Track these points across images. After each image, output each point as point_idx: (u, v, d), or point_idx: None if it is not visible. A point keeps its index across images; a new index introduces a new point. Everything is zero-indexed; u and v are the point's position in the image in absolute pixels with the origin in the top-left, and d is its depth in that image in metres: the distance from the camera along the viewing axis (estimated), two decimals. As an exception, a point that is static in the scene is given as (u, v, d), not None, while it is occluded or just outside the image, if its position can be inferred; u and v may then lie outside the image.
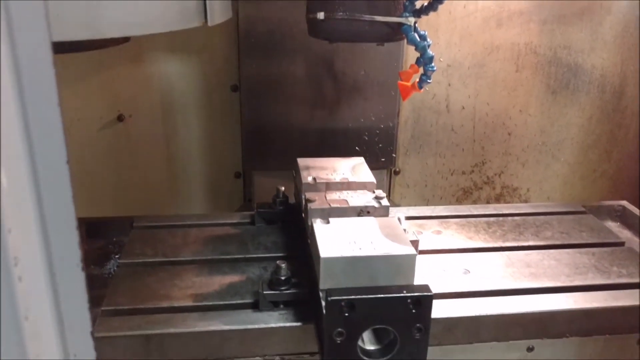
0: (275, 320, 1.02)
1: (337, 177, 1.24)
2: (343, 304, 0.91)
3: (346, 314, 0.92)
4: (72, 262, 0.52)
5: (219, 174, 1.77)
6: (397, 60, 1.65)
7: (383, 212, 1.13)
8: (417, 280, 0.98)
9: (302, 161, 1.32)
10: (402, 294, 0.93)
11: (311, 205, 1.12)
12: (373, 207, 1.14)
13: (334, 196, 1.17)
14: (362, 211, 1.13)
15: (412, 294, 0.93)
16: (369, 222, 1.06)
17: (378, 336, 1.00)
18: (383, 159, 1.75)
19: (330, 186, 1.21)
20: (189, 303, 1.06)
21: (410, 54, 1.61)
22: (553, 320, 1.07)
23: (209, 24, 1.05)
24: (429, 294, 0.94)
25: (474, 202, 1.93)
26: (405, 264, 0.95)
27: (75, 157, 1.73)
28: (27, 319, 0.47)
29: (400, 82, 1.23)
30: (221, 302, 1.06)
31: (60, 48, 1.01)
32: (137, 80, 1.64)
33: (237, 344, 1.01)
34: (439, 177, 1.89)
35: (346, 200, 1.15)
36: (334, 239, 0.99)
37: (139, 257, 1.21)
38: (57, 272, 0.52)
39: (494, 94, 1.81)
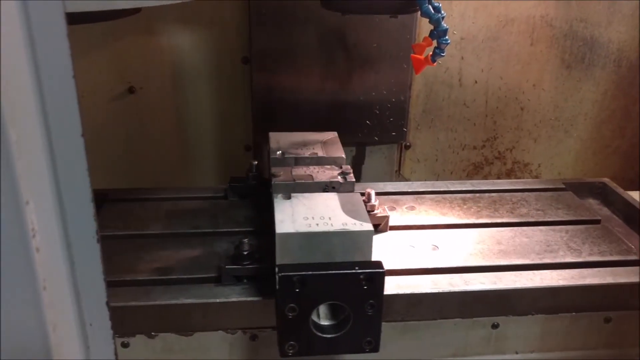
0: (237, 294, 1.02)
1: (306, 152, 1.22)
2: (295, 279, 0.91)
3: (297, 290, 0.92)
4: (87, 234, 0.53)
5: (229, 146, 1.77)
6: (410, 33, 1.62)
7: (348, 187, 1.11)
8: (384, 257, 0.97)
9: (273, 135, 1.30)
10: (353, 270, 0.93)
11: (275, 180, 1.11)
12: (338, 182, 1.12)
13: (300, 171, 1.15)
14: (327, 187, 1.11)
15: (364, 271, 0.92)
16: (331, 198, 1.05)
17: (335, 312, 1.00)
18: (394, 133, 1.74)
19: (298, 161, 1.20)
20: (153, 276, 1.05)
21: (424, 27, 1.58)
22: (518, 298, 1.07)
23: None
24: (382, 270, 0.93)
25: (485, 177, 1.93)
26: (361, 240, 0.94)
27: (86, 129, 1.74)
28: (45, 288, 0.48)
29: (413, 55, 1.22)
30: (185, 276, 1.05)
31: (72, 19, 1.01)
32: (147, 53, 1.64)
33: (200, 318, 1.01)
34: (449, 151, 1.88)
35: (311, 176, 1.14)
36: (292, 215, 0.98)
37: (109, 230, 1.20)
38: (74, 243, 0.53)
39: (507, 68, 1.78)
